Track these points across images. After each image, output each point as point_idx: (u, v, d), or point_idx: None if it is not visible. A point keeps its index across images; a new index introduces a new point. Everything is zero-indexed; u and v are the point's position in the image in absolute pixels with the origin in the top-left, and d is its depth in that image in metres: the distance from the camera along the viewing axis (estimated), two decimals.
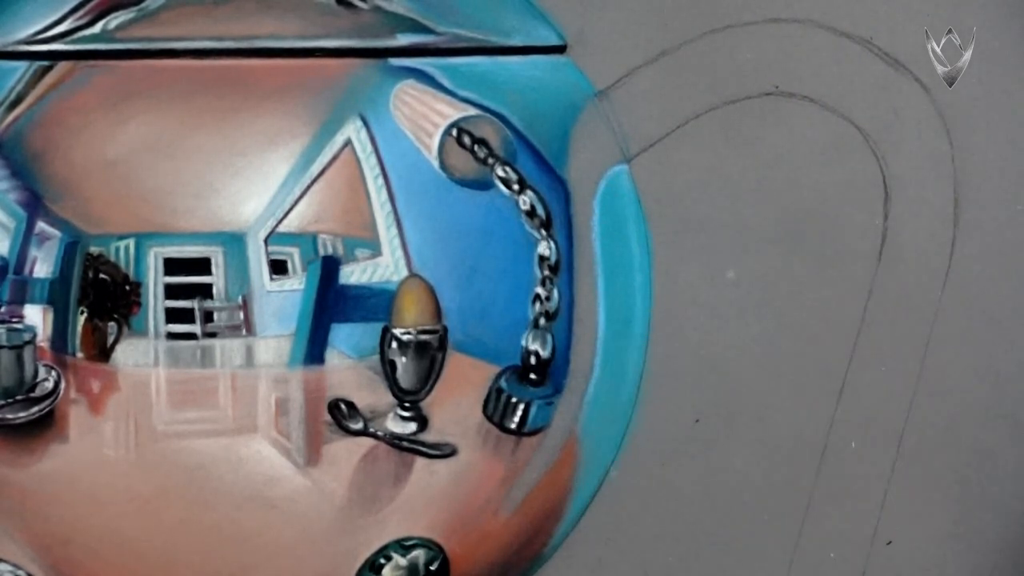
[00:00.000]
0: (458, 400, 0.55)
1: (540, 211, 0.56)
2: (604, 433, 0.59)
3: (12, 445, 0.52)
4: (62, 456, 0.52)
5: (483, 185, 0.55)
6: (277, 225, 0.53)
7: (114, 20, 0.53)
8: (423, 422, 0.54)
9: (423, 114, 0.54)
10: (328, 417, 0.53)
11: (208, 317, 0.52)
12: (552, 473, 0.57)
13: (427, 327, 0.54)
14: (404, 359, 0.53)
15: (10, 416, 0.52)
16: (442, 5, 0.55)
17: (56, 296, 0.52)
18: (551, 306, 0.56)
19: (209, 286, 0.52)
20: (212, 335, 0.52)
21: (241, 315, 0.52)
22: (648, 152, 0.59)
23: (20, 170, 0.52)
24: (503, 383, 0.55)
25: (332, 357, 0.53)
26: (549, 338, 0.56)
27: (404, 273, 0.53)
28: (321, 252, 0.53)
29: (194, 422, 0.52)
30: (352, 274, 0.53)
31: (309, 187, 0.53)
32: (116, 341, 0.52)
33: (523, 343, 0.55)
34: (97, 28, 0.53)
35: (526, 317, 0.55)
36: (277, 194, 0.53)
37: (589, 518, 0.60)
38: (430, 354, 0.54)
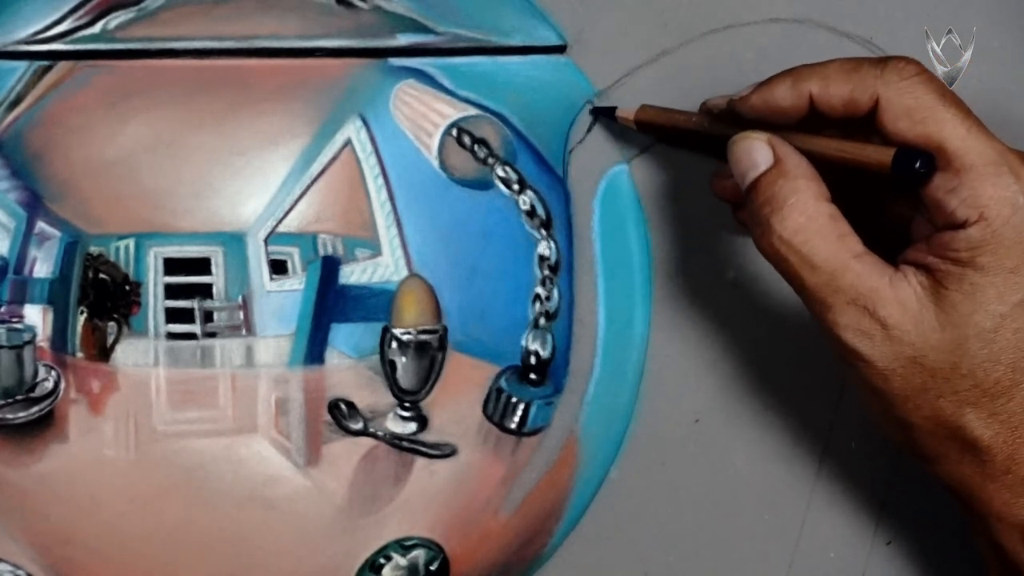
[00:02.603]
0: (458, 400, 0.55)
1: (540, 211, 0.56)
2: (604, 433, 0.59)
3: (12, 445, 0.52)
4: (62, 456, 0.52)
5: (483, 185, 0.55)
6: (277, 225, 0.53)
7: (114, 20, 0.53)
8: (423, 422, 0.54)
9: (423, 114, 0.54)
10: (328, 417, 0.53)
11: (208, 317, 0.52)
12: (552, 473, 0.57)
13: (427, 327, 0.54)
14: (404, 359, 0.53)
15: (10, 416, 0.52)
16: (442, 5, 0.55)
17: (56, 296, 0.52)
18: (551, 306, 0.56)
19: (209, 286, 0.52)
20: (212, 335, 0.52)
21: (241, 315, 0.52)
22: (648, 152, 0.59)
23: (20, 170, 0.52)
24: (503, 383, 0.55)
25: (332, 357, 0.53)
26: (549, 338, 0.56)
27: (404, 273, 0.53)
28: (321, 252, 0.53)
29: (194, 422, 0.52)
30: (352, 274, 0.53)
31: (309, 187, 0.53)
32: (116, 341, 0.52)
33: (523, 343, 0.55)
34: (97, 28, 0.53)
35: (526, 317, 0.55)
36: (277, 194, 0.53)
37: (589, 518, 0.60)
38: (430, 354, 0.54)
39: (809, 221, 0.50)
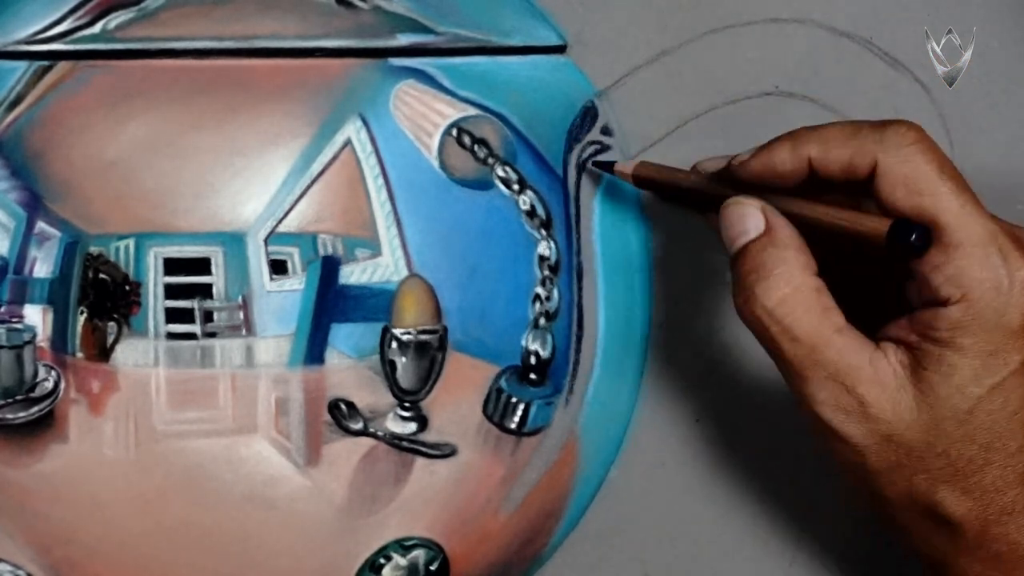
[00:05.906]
0: (458, 400, 0.55)
1: (540, 211, 0.56)
2: (604, 433, 0.59)
3: (12, 445, 0.52)
4: (62, 456, 0.52)
5: (483, 185, 0.55)
6: (277, 225, 0.53)
7: (114, 20, 0.53)
8: (423, 422, 0.54)
9: (423, 114, 0.54)
10: (328, 417, 0.53)
11: (208, 317, 0.52)
12: (552, 473, 0.57)
13: (427, 327, 0.54)
14: (404, 359, 0.53)
15: (10, 416, 0.52)
16: (442, 5, 0.55)
17: (56, 296, 0.52)
18: (551, 306, 0.56)
19: (209, 286, 0.52)
20: (212, 335, 0.52)
21: (241, 315, 0.52)
22: (648, 152, 0.59)
23: (20, 170, 0.52)
24: (503, 383, 0.55)
25: (332, 357, 0.53)
26: (549, 338, 0.56)
27: (404, 273, 0.53)
28: (321, 252, 0.53)
29: (194, 422, 0.52)
30: (352, 274, 0.53)
31: (309, 187, 0.53)
32: (116, 341, 0.52)
33: (523, 343, 0.55)
34: (97, 28, 0.53)
35: (526, 317, 0.55)
36: (277, 194, 0.53)
37: (589, 518, 0.60)
38: (430, 354, 0.54)
39: (794, 292, 0.50)
